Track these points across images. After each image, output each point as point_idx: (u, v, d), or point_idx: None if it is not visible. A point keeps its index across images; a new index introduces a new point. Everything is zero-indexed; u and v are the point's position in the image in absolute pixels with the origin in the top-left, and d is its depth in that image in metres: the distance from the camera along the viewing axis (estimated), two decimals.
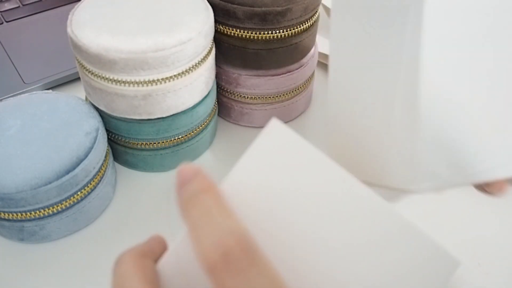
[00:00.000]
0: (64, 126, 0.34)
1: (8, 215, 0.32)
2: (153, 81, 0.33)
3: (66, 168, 0.32)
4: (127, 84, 0.32)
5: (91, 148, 0.33)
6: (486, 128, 0.26)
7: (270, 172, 0.22)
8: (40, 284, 0.33)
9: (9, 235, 0.34)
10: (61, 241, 0.35)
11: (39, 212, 0.32)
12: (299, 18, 0.36)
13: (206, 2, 0.36)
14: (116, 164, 0.40)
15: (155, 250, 0.23)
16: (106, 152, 0.35)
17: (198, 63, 0.34)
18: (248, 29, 0.36)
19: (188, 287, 0.22)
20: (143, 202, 0.37)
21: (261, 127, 0.49)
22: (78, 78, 0.47)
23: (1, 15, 0.52)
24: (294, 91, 0.41)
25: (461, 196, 0.38)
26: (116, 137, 0.37)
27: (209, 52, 0.35)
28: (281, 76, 0.39)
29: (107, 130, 0.37)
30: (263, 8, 0.35)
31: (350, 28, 0.27)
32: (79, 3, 0.35)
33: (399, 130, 0.26)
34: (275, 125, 0.22)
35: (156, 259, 0.22)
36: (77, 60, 0.34)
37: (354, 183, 0.21)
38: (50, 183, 0.31)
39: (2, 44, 0.49)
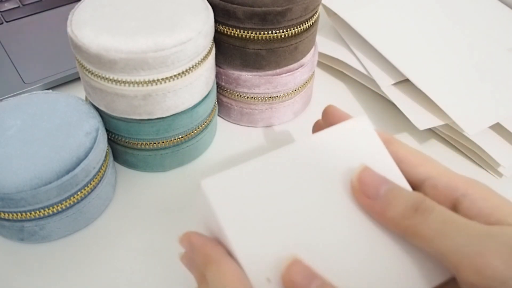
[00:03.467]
0: (64, 126, 0.34)
1: (8, 215, 0.32)
2: (153, 81, 0.33)
3: (66, 168, 0.32)
4: (127, 84, 0.32)
5: (91, 148, 0.33)
6: None
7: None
8: (40, 284, 0.33)
9: (9, 235, 0.34)
10: (61, 241, 0.35)
11: (39, 212, 0.32)
12: (299, 18, 0.36)
13: (206, 2, 0.36)
14: (116, 164, 0.40)
15: None
16: (106, 152, 0.35)
17: (198, 63, 0.34)
18: (248, 29, 0.36)
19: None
20: (143, 202, 0.37)
21: (261, 127, 0.49)
22: (78, 78, 0.47)
23: (1, 15, 0.52)
24: (294, 91, 0.41)
25: None
26: (116, 137, 0.37)
27: (209, 52, 0.35)
28: (281, 76, 0.39)
29: (107, 130, 0.37)
30: (263, 8, 0.35)
31: None
32: (79, 3, 0.35)
33: None
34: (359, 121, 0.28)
35: None
36: (77, 60, 0.34)
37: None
38: (50, 183, 0.31)
39: (2, 44, 0.49)
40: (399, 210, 0.24)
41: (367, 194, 0.25)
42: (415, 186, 0.29)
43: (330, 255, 0.24)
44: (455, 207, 0.25)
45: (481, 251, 0.21)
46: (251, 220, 0.24)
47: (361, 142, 0.27)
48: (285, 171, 0.26)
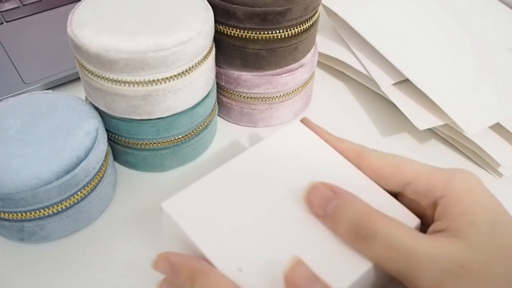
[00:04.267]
0: (64, 126, 0.34)
1: (8, 215, 0.32)
2: (153, 81, 0.33)
3: (66, 168, 0.32)
4: (127, 84, 0.32)
5: (91, 148, 0.33)
6: None
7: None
8: (40, 284, 0.33)
9: (9, 235, 0.34)
10: (61, 241, 0.35)
11: (39, 212, 0.32)
12: (299, 18, 0.36)
13: (206, 2, 0.36)
14: (116, 164, 0.40)
15: None
16: (106, 152, 0.35)
17: (198, 63, 0.34)
18: (248, 29, 0.36)
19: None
20: (143, 202, 0.37)
21: (261, 127, 0.49)
22: (78, 78, 0.47)
23: (1, 15, 0.52)
24: (294, 91, 0.41)
25: None
26: (116, 137, 0.37)
27: (209, 52, 0.35)
28: (281, 76, 0.39)
29: (107, 130, 0.37)
30: (263, 8, 0.35)
31: None
32: (79, 3, 0.35)
33: None
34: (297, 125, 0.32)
35: None
36: (77, 60, 0.34)
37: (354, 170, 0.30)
38: (50, 183, 0.31)
39: (2, 44, 0.49)
40: (344, 231, 0.25)
41: (317, 214, 0.27)
42: (397, 195, 0.29)
43: (287, 248, 0.26)
44: (435, 209, 0.26)
45: (418, 275, 0.23)
46: (214, 225, 0.27)
47: (305, 143, 0.31)
48: (239, 178, 0.29)
